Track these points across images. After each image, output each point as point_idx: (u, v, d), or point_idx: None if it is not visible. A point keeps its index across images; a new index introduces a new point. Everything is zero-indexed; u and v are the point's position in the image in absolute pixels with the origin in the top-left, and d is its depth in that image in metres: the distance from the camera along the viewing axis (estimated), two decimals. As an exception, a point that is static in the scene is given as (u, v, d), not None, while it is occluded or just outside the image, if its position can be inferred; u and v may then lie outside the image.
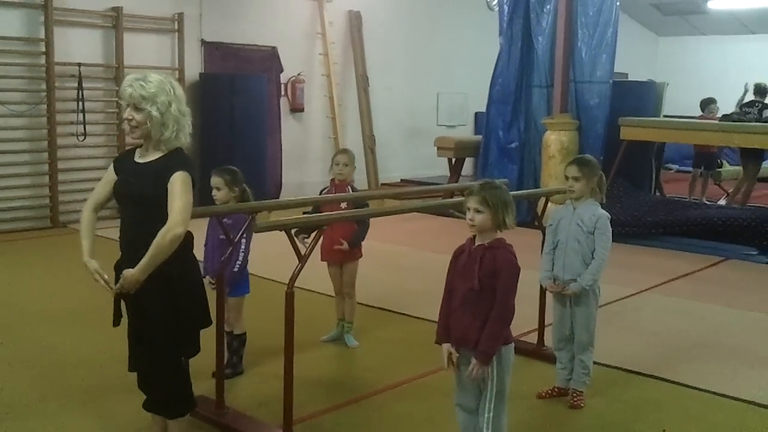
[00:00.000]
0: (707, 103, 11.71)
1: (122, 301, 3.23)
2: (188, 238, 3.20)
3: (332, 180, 5.08)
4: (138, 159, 3.18)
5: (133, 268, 3.10)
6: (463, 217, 3.20)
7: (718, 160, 12.04)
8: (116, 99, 9.53)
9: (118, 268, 3.20)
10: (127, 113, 3.11)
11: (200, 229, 3.50)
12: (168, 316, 3.11)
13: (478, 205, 3.08)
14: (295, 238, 3.71)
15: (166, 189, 3.05)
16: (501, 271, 3.04)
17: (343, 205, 4.94)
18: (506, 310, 3.06)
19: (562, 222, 4.16)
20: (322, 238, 4.83)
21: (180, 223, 3.00)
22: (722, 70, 17.05)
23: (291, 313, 3.53)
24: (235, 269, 4.38)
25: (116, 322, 3.27)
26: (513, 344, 3.18)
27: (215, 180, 4.35)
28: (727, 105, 11.51)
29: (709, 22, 17.98)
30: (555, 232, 4.19)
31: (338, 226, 4.89)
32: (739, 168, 11.41)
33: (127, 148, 3.29)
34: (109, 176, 3.28)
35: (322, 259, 5.04)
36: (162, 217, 3.07)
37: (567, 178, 4.15)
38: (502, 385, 3.12)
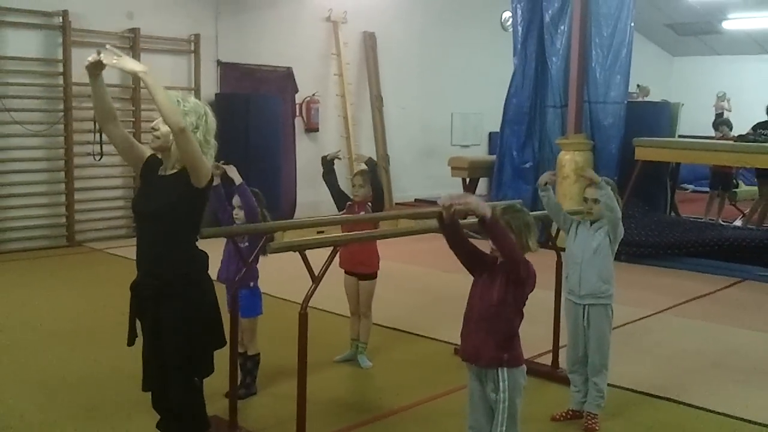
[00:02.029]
0: (719, 124, 11.72)
1: (138, 320, 3.25)
2: (204, 259, 3.22)
3: (353, 198, 5.14)
4: (160, 172, 3.23)
5: (148, 287, 3.12)
6: (478, 237, 3.19)
7: (734, 181, 11.99)
8: (133, 119, 9.64)
9: (135, 288, 3.22)
10: (155, 123, 3.17)
11: (214, 249, 3.52)
12: (183, 337, 3.13)
13: None
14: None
15: (183, 202, 3.08)
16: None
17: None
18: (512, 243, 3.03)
19: (580, 237, 4.15)
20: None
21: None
22: (737, 89, 17.00)
23: (304, 335, 3.53)
24: (251, 284, 4.46)
25: (131, 341, 3.29)
26: (524, 366, 3.17)
27: (238, 201, 4.38)
28: (744, 124, 11.47)
29: (723, 42, 17.97)
30: (567, 224, 4.24)
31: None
32: (755, 188, 11.36)
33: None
34: (141, 150, 3.33)
35: (340, 266, 5.02)
36: (177, 234, 3.10)
37: (586, 200, 4.15)
38: (514, 408, 3.11)
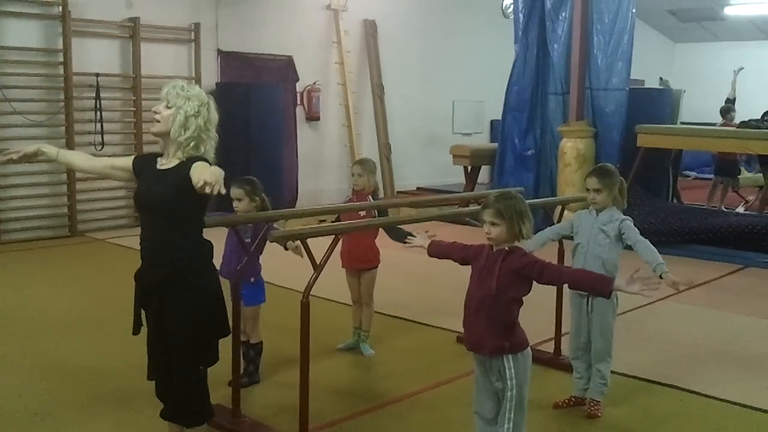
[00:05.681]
0: (727, 110, 11.65)
1: (142, 309, 3.25)
2: (208, 248, 3.22)
3: (353, 189, 5.12)
4: (159, 166, 3.21)
5: (153, 276, 3.12)
6: (479, 225, 3.20)
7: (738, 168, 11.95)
8: (134, 109, 9.63)
9: (140, 277, 3.22)
10: (157, 107, 3.17)
11: (217, 238, 3.51)
12: (189, 326, 3.13)
13: (494, 218, 3.09)
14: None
15: (185, 193, 3.05)
16: (532, 263, 3.08)
17: (362, 213, 4.96)
18: (568, 273, 3.25)
19: (584, 226, 4.15)
20: (341, 245, 4.90)
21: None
22: (739, 76, 16.91)
23: (306, 323, 3.53)
24: (252, 280, 4.44)
25: (136, 330, 3.30)
26: (530, 350, 3.17)
27: (236, 191, 4.37)
28: (745, 110, 11.42)
29: (725, 28, 17.91)
30: (572, 230, 4.24)
31: (357, 234, 4.90)
32: (757, 176, 11.34)
33: (148, 152, 3.34)
34: (123, 162, 3.36)
35: (342, 266, 5.05)
36: (181, 225, 3.10)
37: (588, 190, 4.14)
38: (521, 394, 3.11)
